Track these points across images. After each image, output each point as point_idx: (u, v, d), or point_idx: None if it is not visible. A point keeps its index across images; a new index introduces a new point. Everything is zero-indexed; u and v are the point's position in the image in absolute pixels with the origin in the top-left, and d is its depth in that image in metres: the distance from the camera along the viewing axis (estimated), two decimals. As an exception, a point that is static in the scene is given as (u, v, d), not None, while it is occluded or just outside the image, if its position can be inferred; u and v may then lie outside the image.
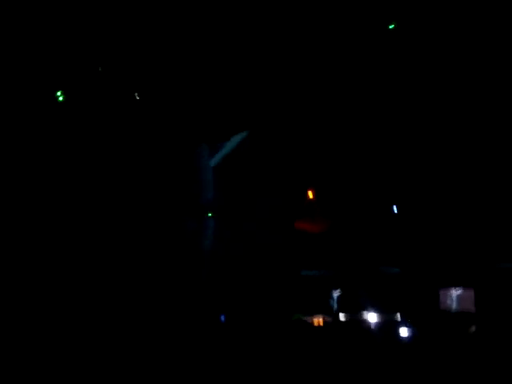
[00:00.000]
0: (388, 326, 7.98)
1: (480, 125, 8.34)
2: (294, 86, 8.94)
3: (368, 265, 8.67)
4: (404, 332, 7.75)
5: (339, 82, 8.80)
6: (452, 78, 8.46)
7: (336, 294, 8.31)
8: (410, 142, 8.62)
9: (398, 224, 8.77)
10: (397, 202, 8.81)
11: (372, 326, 7.94)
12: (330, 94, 8.89)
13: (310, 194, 9.09)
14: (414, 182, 8.67)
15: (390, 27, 8.36)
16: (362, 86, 8.75)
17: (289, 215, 9.03)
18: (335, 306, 8.32)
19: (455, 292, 8.06)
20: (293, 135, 9.09)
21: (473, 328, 7.83)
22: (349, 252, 8.80)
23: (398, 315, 7.98)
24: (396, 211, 8.74)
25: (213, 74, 8.97)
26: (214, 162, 9.26)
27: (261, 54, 8.85)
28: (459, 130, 8.40)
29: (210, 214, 9.07)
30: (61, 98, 8.78)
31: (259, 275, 8.67)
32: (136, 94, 9.09)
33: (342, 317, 8.00)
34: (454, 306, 8.04)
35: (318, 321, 7.97)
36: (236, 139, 9.25)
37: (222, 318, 8.32)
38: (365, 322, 7.98)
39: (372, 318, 7.95)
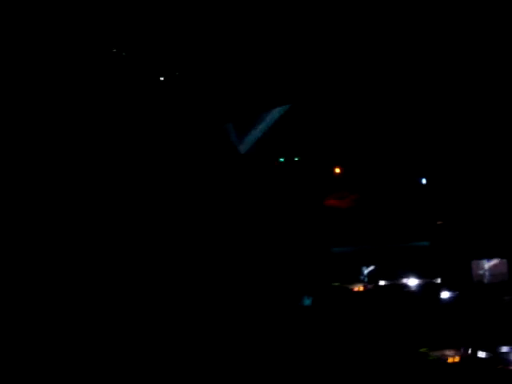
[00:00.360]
0: (427, 289, 8.08)
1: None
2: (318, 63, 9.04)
3: (397, 239, 8.74)
4: (443, 294, 7.86)
5: (365, 58, 8.93)
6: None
7: (366, 269, 8.37)
8: (439, 112, 8.73)
9: (427, 196, 8.88)
10: (425, 174, 8.92)
11: (412, 289, 8.04)
12: (356, 69, 9.00)
13: (337, 170, 9.17)
14: (443, 153, 8.78)
15: None
16: (387, 63, 8.89)
17: (317, 192, 9.10)
18: (366, 280, 8.39)
19: (488, 263, 8.17)
20: (320, 113, 9.17)
21: (507, 298, 7.95)
22: (377, 227, 8.87)
23: (437, 279, 8.08)
24: (424, 183, 8.85)
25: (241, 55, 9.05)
26: (246, 146, 9.29)
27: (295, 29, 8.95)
28: (492, 103, 8.55)
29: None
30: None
31: (291, 253, 8.70)
32: (161, 77, 9.11)
33: (381, 283, 8.08)
34: (487, 276, 8.14)
35: (358, 287, 8.05)
36: (267, 120, 9.31)
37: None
38: (405, 286, 8.07)
39: (412, 282, 8.05)
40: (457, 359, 7.57)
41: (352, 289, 8.20)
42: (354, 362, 7.58)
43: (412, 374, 7.58)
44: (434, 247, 8.72)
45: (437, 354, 7.66)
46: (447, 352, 7.65)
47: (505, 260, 8.35)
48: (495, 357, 7.50)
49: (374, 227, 8.92)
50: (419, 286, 8.20)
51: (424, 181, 8.89)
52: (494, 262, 8.33)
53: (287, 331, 7.84)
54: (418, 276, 8.28)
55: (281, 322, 7.95)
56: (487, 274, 8.32)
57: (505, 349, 7.47)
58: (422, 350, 7.68)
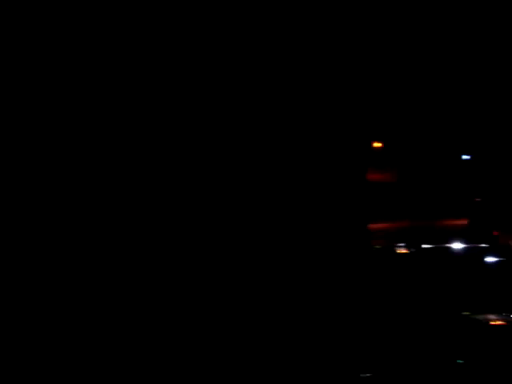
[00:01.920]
0: (472, 253, 8.03)
1: None
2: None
3: (435, 215, 8.69)
4: (489, 258, 7.81)
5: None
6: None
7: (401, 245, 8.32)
8: (483, 83, 8.69)
9: (470, 174, 8.82)
10: (469, 150, 8.88)
11: (456, 252, 7.99)
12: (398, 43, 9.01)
13: (377, 144, 9.15)
14: (488, 126, 8.72)
15: None
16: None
17: (358, 165, 9.05)
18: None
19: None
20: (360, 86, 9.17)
21: None
22: (417, 203, 8.81)
23: (484, 245, 8.03)
24: (467, 159, 8.80)
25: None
26: None
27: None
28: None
29: None
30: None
31: (330, 227, 8.60)
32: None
33: (424, 246, 8.03)
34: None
35: (401, 250, 8.00)
36: None
37: None
38: (448, 250, 8.02)
39: (456, 246, 8.00)
40: (499, 323, 7.51)
41: (395, 251, 8.15)
42: (392, 322, 7.52)
43: (454, 335, 7.51)
44: (472, 225, 8.66)
45: (480, 317, 7.60)
46: (490, 316, 7.59)
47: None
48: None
49: (413, 203, 8.85)
50: (463, 250, 8.15)
51: (466, 157, 8.84)
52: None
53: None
54: (462, 242, 8.23)
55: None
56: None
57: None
58: (464, 313, 7.62)
